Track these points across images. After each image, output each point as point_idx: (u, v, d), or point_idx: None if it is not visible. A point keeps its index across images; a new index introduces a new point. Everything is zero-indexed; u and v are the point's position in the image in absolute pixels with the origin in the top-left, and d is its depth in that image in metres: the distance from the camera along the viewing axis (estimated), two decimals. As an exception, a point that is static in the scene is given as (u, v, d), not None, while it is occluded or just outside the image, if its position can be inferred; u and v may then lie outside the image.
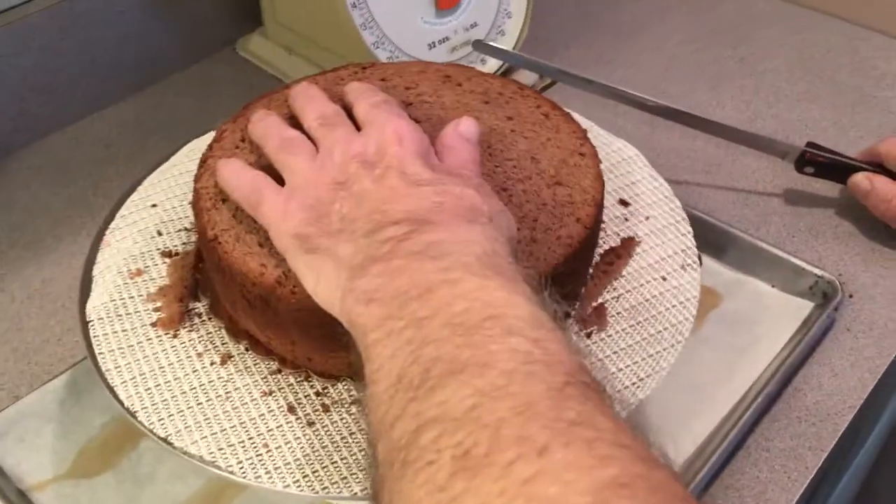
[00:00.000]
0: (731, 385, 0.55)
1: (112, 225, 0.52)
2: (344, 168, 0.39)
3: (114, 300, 0.47)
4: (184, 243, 0.50)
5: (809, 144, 0.66)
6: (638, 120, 0.74)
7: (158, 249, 0.50)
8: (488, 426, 0.25)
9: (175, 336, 0.45)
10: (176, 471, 0.50)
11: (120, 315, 0.46)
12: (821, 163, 0.65)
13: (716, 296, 0.61)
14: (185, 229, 0.51)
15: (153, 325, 0.46)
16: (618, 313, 0.47)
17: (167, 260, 0.49)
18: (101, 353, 0.45)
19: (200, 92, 0.80)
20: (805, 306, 0.59)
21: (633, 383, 0.43)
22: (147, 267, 0.49)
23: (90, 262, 0.49)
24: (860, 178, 0.63)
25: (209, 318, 0.47)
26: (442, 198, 0.36)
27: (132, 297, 0.47)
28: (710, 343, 0.57)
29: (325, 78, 0.51)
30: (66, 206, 0.68)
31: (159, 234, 0.51)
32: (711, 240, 0.62)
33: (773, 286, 0.61)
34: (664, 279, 0.49)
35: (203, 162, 0.47)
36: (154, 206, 0.52)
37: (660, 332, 0.46)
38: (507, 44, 0.77)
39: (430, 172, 0.38)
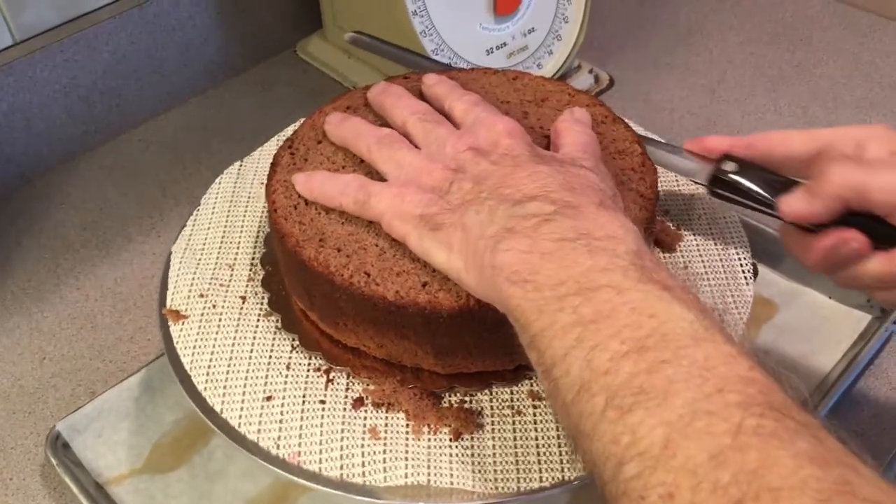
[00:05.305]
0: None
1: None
2: (456, 157, 0.39)
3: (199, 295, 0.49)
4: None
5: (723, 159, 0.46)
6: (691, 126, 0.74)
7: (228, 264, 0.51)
8: (685, 470, 0.26)
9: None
10: (245, 468, 0.52)
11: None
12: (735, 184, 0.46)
13: (771, 306, 0.61)
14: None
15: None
16: None
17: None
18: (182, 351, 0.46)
19: (261, 93, 0.82)
20: (863, 318, 0.59)
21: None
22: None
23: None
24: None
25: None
26: (565, 177, 0.36)
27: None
28: (764, 355, 0.58)
29: (399, 80, 0.51)
30: (136, 206, 0.71)
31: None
32: (767, 249, 0.62)
33: (830, 297, 0.61)
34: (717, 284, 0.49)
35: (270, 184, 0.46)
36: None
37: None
38: (564, 49, 0.78)
39: (543, 157, 0.38)
